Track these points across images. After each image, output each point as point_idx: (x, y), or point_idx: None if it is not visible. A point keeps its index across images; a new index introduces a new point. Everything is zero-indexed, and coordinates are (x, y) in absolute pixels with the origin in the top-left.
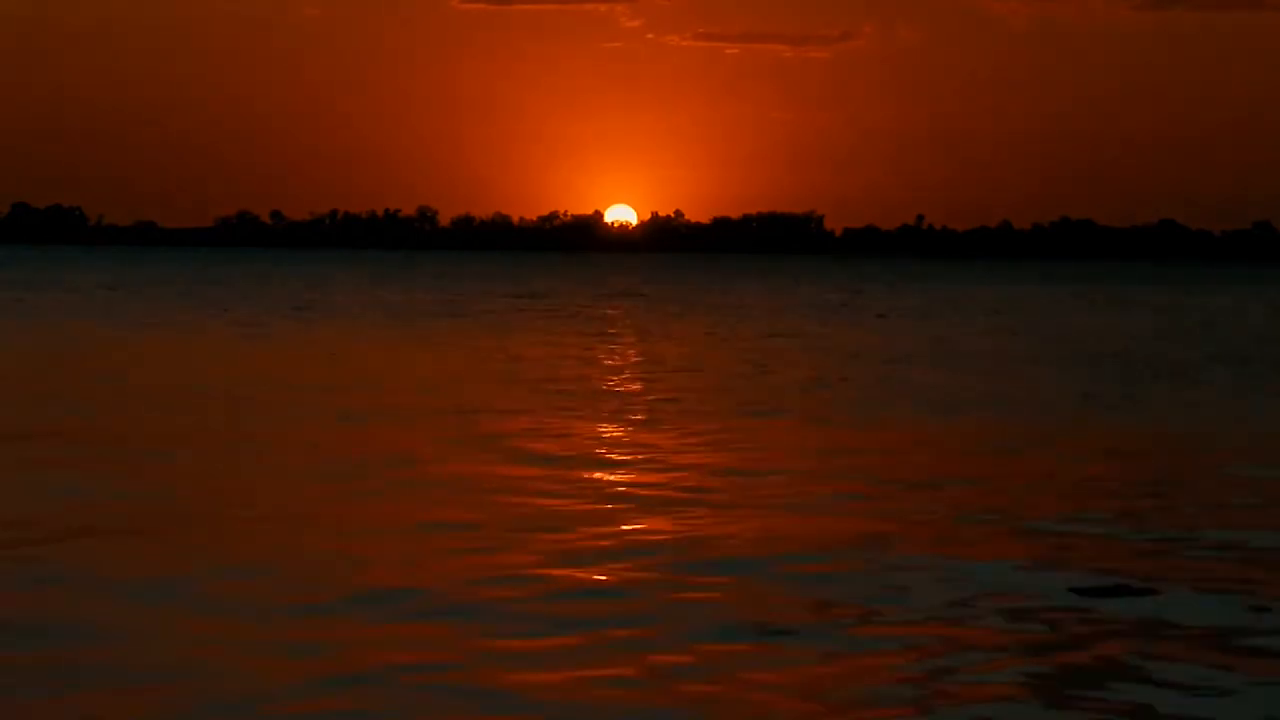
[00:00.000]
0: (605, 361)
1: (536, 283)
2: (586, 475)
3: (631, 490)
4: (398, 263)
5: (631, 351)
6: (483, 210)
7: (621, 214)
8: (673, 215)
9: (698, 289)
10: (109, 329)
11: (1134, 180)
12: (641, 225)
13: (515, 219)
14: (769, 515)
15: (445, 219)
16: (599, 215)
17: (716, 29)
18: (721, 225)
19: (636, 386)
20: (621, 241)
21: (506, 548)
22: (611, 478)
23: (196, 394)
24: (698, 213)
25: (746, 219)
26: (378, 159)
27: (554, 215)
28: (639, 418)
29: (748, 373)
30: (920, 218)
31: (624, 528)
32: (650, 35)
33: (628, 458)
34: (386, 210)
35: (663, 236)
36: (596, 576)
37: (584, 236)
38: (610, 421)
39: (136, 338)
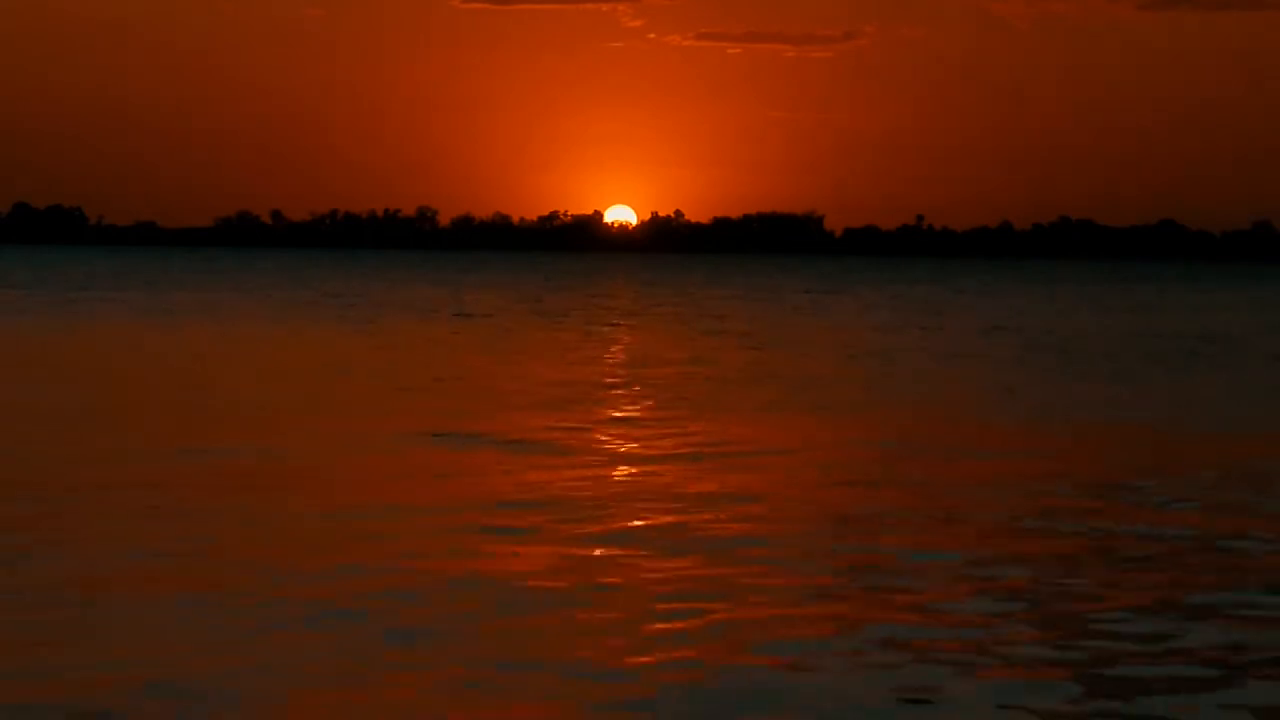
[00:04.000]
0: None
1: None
2: None
3: None
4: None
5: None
6: (483, 210)
7: (621, 214)
8: (673, 215)
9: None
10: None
11: (1134, 180)
12: (641, 225)
13: (515, 219)
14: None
15: (445, 219)
16: (599, 215)
17: (718, 29)
18: (721, 225)
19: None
20: (622, 241)
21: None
22: None
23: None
24: (698, 213)
25: (746, 219)
26: (378, 159)
27: (554, 215)
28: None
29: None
30: (920, 218)
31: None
32: (652, 35)
33: None
34: (386, 210)
35: (663, 236)
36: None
37: (584, 236)
38: None
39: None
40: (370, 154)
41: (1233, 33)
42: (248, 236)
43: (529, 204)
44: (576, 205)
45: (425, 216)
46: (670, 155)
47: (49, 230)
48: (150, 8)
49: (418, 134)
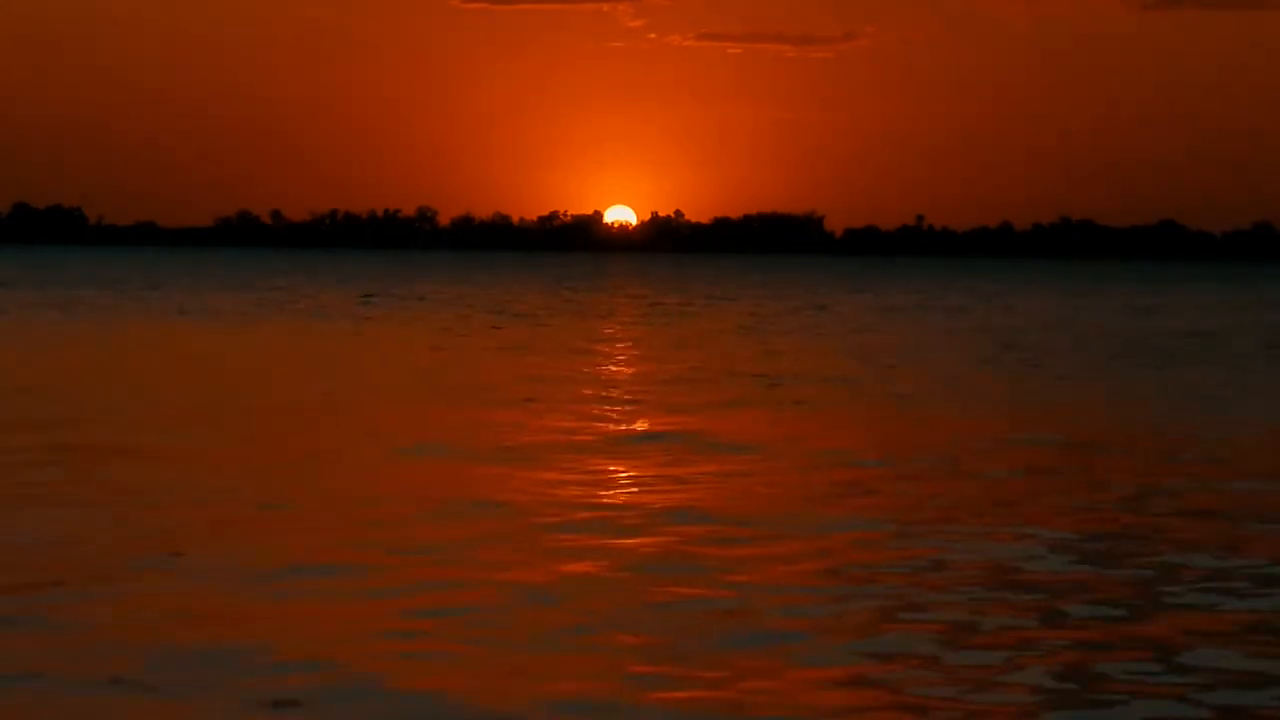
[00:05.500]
0: None
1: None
2: None
3: None
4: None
5: None
6: (483, 210)
7: (621, 214)
8: (673, 215)
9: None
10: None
11: (1134, 180)
12: (641, 225)
13: (515, 219)
14: None
15: (445, 219)
16: (599, 215)
17: (719, 29)
18: (721, 225)
19: None
20: (622, 241)
21: None
22: None
23: None
24: (698, 213)
25: (746, 219)
26: (378, 159)
27: (554, 215)
28: None
29: None
30: (920, 218)
31: None
32: (652, 35)
33: None
34: (386, 210)
35: (663, 236)
36: None
37: (584, 236)
38: None
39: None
40: (370, 154)
41: (1233, 33)
42: (248, 236)
43: (529, 204)
44: (576, 205)
45: (425, 216)
46: (670, 155)
47: (49, 230)
48: (151, 8)
49: (418, 134)
